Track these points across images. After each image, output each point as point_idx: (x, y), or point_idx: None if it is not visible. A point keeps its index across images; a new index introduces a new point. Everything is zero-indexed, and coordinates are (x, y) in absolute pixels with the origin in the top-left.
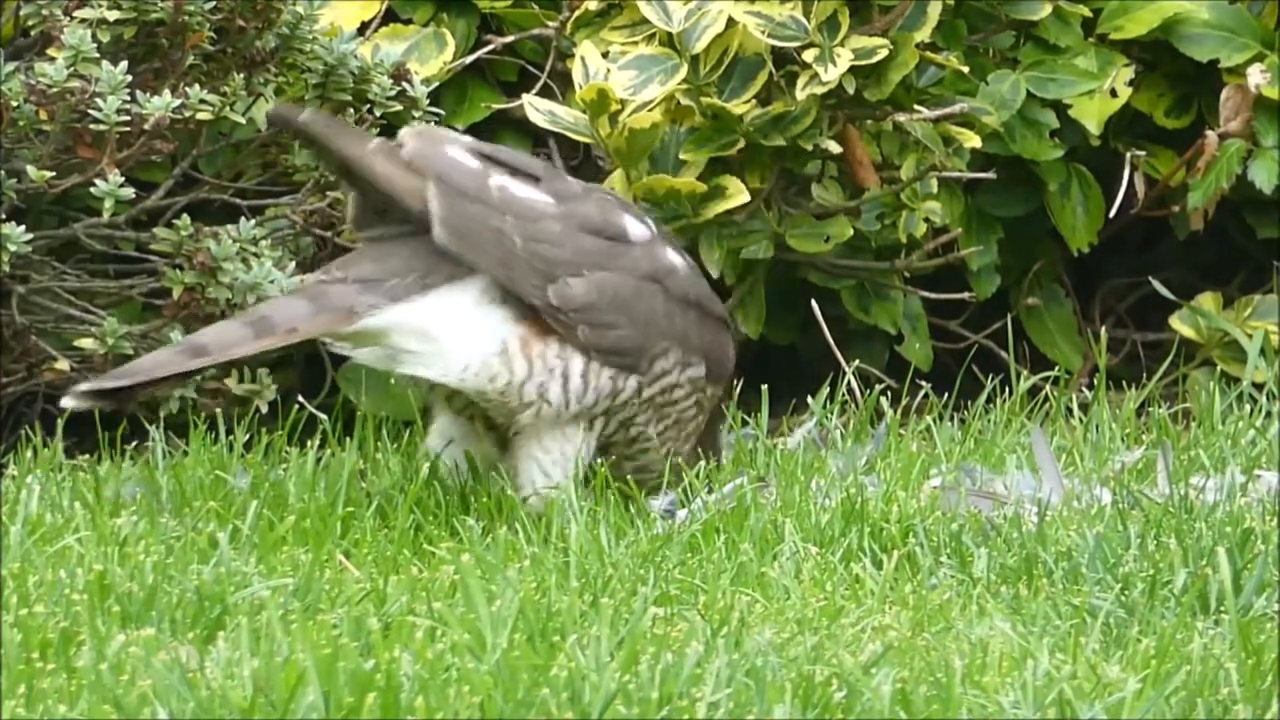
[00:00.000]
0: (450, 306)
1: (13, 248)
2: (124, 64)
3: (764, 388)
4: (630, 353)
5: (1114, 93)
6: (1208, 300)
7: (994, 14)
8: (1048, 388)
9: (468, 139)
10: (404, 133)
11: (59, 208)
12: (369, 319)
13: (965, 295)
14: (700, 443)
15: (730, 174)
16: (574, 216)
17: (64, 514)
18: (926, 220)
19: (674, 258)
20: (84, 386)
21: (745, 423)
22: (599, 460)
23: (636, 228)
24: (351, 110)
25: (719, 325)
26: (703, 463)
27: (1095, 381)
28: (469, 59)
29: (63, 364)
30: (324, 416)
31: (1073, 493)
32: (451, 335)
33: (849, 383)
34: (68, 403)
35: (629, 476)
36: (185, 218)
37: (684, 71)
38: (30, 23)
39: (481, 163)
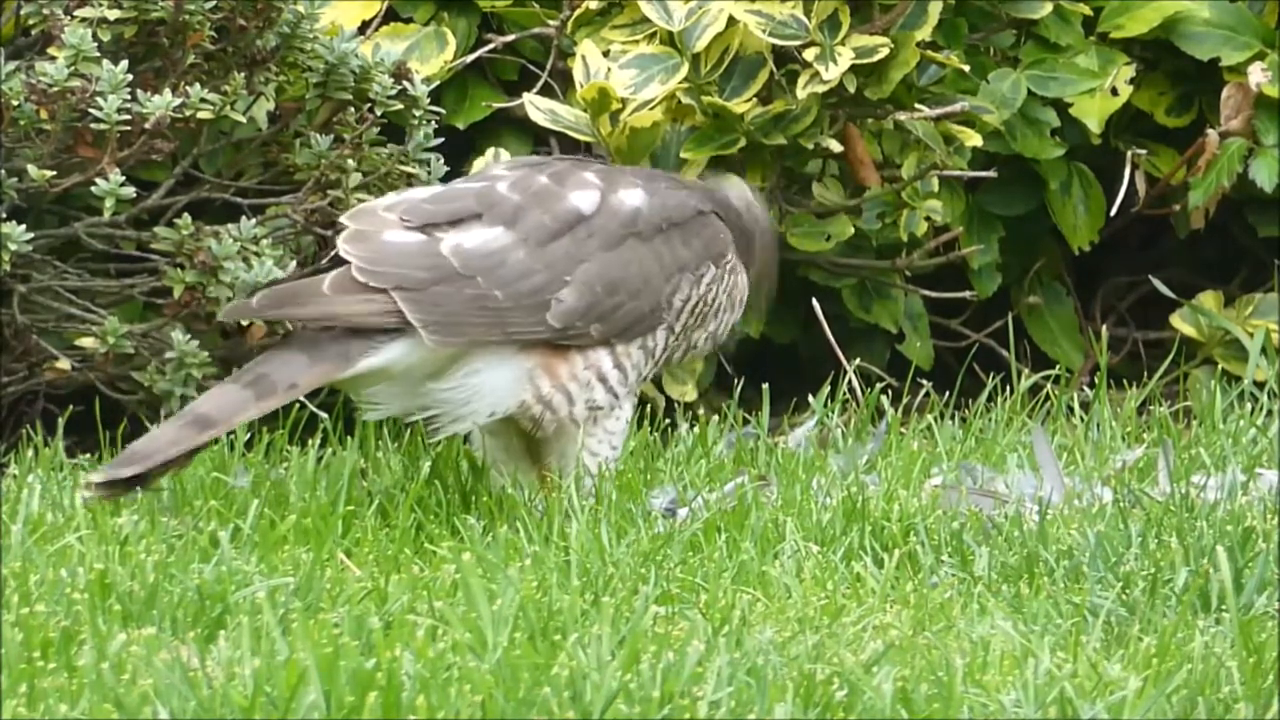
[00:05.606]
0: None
1: (14, 247)
2: (124, 63)
3: (765, 386)
4: (644, 317)
5: (1115, 91)
6: (1209, 299)
7: (995, 13)
8: (1049, 386)
9: (402, 202)
10: (340, 238)
11: (60, 207)
12: (366, 360)
13: (966, 294)
14: (760, 279)
15: (731, 172)
16: (530, 235)
17: (65, 513)
18: (927, 219)
19: (630, 199)
20: (98, 477)
21: (746, 421)
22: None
23: (585, 198)
24: (352, 109)
25: (696, 217)
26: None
27: (1096, 380)
28: (470, 58)
29: (64, 363)
30: (325, 415)
31: (1074, 491)
32: (473, 386)
33: (850, 381)
34: (85, 495)
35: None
36: (186, 217)
37: (685, 70)
38: (31, 22)
39: (424, 233)
